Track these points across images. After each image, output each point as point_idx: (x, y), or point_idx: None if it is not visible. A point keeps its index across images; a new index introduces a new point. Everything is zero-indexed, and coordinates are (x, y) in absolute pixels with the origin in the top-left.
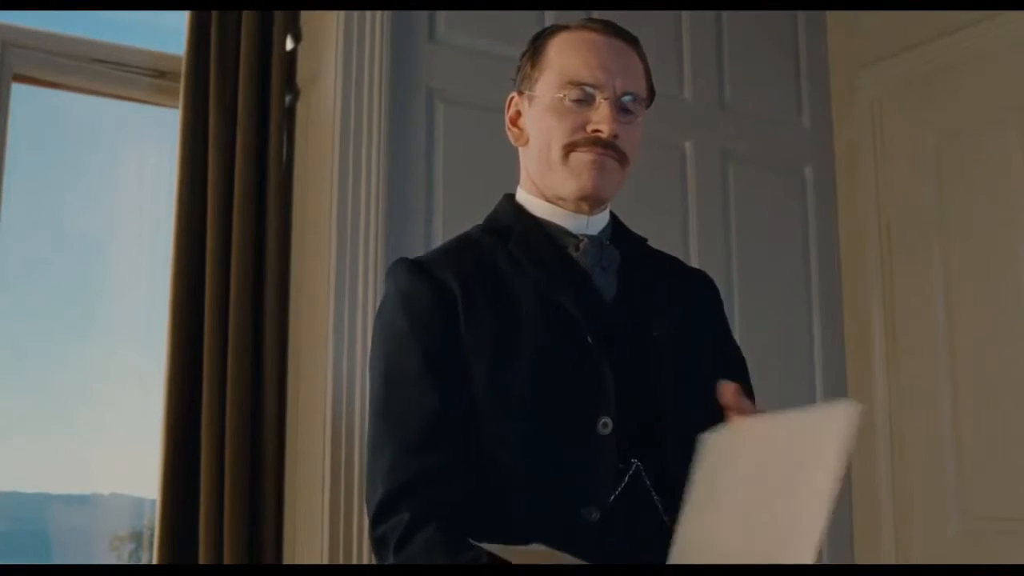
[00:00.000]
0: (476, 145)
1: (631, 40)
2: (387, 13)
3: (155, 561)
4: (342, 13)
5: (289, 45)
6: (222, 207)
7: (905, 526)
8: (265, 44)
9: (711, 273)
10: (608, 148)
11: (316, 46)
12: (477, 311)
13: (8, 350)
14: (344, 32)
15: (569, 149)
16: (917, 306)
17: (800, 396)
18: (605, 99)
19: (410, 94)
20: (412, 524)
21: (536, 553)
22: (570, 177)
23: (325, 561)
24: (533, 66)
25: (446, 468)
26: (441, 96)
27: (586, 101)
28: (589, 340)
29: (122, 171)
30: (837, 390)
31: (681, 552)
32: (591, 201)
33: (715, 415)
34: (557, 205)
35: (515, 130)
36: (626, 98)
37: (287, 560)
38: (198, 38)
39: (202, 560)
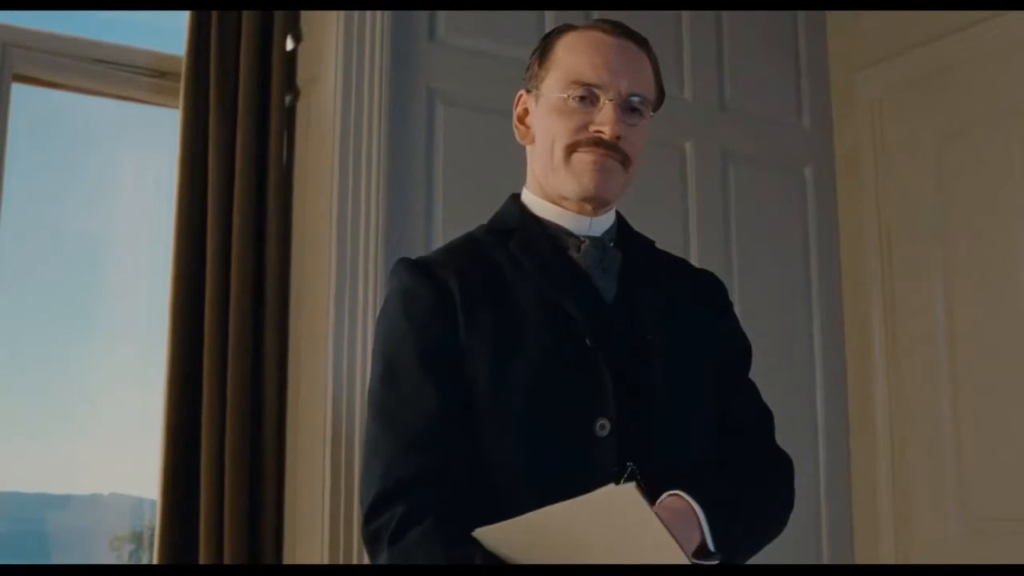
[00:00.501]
0: (476, 145)
1: (641, 41)
2: (387, 14)
3: (155, 561)
4: (342, 13)
5: (289, 45)
6: (222, 207)
7: (905, 526)
8: (265, 44)
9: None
10: (610, 149)
11: (316, 46)
12: (477, 312)
13: (8, 350)
14: (344, 32)
15: (571, 149)
16: (917, 306)
17: (800, 397)
18: (609, 100)
19: (410, 94)
20: (406, 518)
21: (518, 523)
22: (572, 177)
23: (325, 561)
24: (541, 65)
25: (442, 468)
26: (441, 96)
27: (590, 101)
28: (588, 342)
29: (122, 171)
30: (837, 390)
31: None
32: (593, 202)
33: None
34: (561, 206)
35: (522, 128)
36: (632, 99)
37: (287, 561)
38: (198, 38)
39: (202, 561)
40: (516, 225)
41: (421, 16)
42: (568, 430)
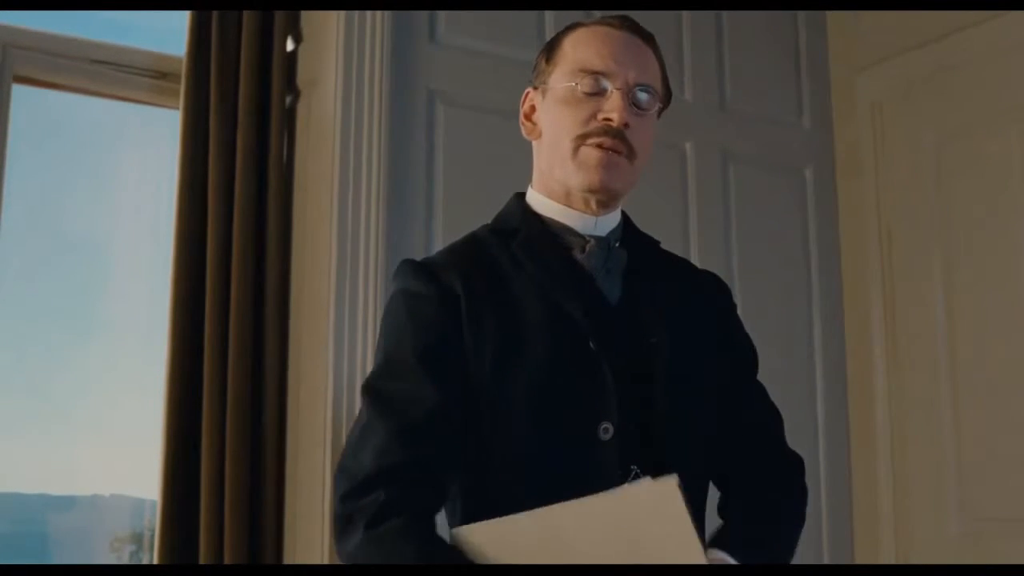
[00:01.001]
0: (476, 146)
1: (647, 37)
2: (388, 15)
3: (156, 562)
4: (342, 15)
5: (290, 46)
6: (223, 208)
7: (905, 526)
8: (266, 45)
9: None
10: (617, 140)
11: (317, 47)
12: (480, 315)
13: (8, 351)
14: (344, 33)
15: (579, 142)
16: (917, 307)
17: (801, 397)
18: (617, 89)
19: (410, 95)
20: (387, 507)
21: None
22: (578, 170)
23: (325, 561)
24: (548, 61)
25: (430, 464)
26: (441, 97)
27: (598, 92)
28: (591, 345)
29: (122, 172)
30: (837, 391)
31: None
32: (599, 194)
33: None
34: (566, 204)
35: (528, 124)
36: (640, 90)
37: (287, 561)
38: (199, 39)
39: (202, 562)
40: (519, 225)
41: (421, 17)
42: (570, 433)
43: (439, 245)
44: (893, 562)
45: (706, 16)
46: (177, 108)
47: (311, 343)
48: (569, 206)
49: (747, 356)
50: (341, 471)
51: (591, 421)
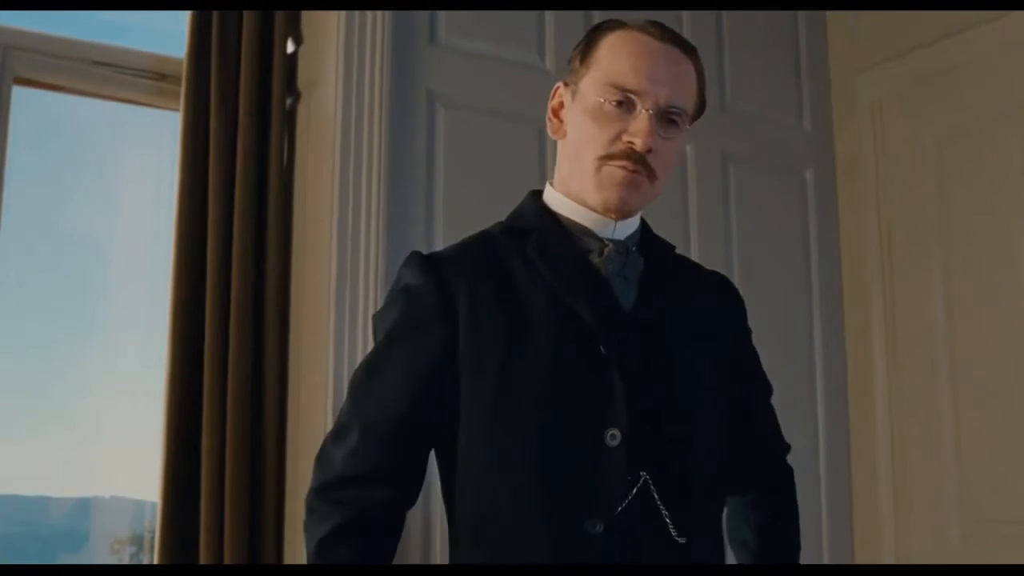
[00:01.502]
0: (476, 148)
1: (688, 49)
2: (388, 16)
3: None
4: (343, 16)
5: (290, 48)
6: (223, 209)
7: (905, 528)
8: (266, 47)
9: None
10: (639, 164)
11: (317, 49)
12: (483, 317)
13: (9, 353)
14: (345, 35)
15: (602, 162)
16: (918, 308)
17: (801, 397)
18: (646, 110)
19: (411, 97)
20: (338, 532)
21: None
22: (597, 189)
23: None
24: (582, 61)
25: (394, 471)
26: (442, 99)
27: (627, 108)
28: (602, 350)
29: (123, 173)
30: (838, 393)
31: None
32: (615, 215)
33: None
34: (586, 205)
35: (555, 121)
36: (671, 110)
37: (287, 561)
38: (199, 41)
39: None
40: (535, 224)
41: (421, 18)
42: (577, 439)
43: (439, 246)
44: (893, 563)
45: (706, 17)
46: (177, 110)
47: (311, 344)
48: (589, 208)
49: (755, 365)
50: (319, 460)
51: (597, 427)
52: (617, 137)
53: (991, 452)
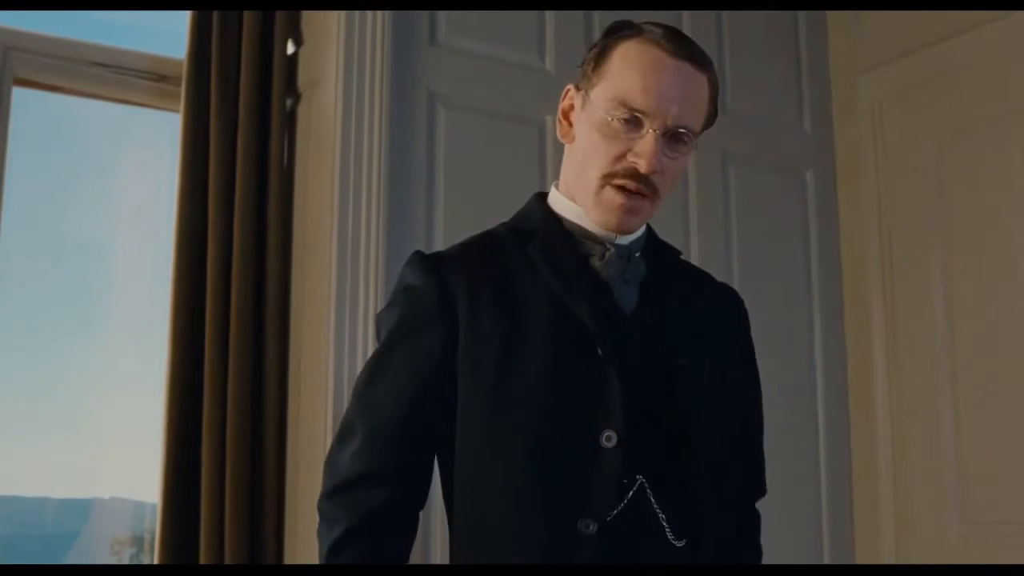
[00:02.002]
0: (477, 148)
1: (702, 64)
2: (388, 17)
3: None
4: (343, 16)
5: (290, 49)
6: (223, 211)
7: (905, 530)
8: (266, 48)
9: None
10: (641, 184)
11: (317, 50)
12: (483, 317)
13: (9, 354)
14: (345, 36)
15: (605, 181)
16: (918, 309)
17: (801, 398)
18: (653, 130)
19: (411, 98)
20: (347, 536)
21: None
22: (598, 208)
23: None
24: (595, 68)
25: (400, 469)
26: (442, 100)
27: (634, 126)
28: (599, 352)
29: (123, 175)
30: (838, 392)
31: None
32: (615, 233)
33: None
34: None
35: (564, 124)
36: (677, 132)
37: (287, 562)
38: (199, 42)
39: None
40: (538, 226)
41: (422, 19)
42: (572, 439)
43: (439, 247)
44: (893, 563)
45: (706, 17)
46: (178, 111)
47: (311, 344)
48: None
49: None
50: (326, 464)
51: (593, 427)
52: (622, 156)
53: (991, 452)
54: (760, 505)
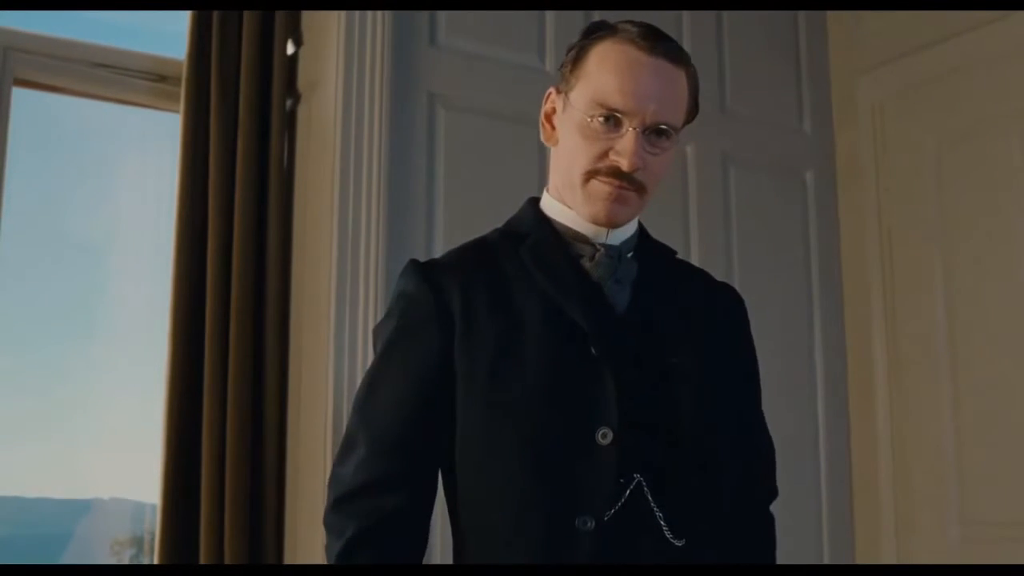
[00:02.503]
0: (477, 150)
1: (679, 60)
2: (388, 18)
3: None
4: (343, 17)
5: (290, 49)
6: (223, 211)
7: (906, 532)
8: (266, 48)
9: None
10: (625, 180)
11: (317, 51)
12: (478, 321)
13: (9, 355)
14: (345, 37)
15: (590, 176)
16: (918, 309)
17: (802, 400)
18: (633, 128)
19: (411, 99)
20: (354, 542)
21: None
22: (586, 203)
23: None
24: (573, 70)
25: (405, 473)
26: (442, 101)
27: (614, 125)
28: (593, 351)
29: (123, 175)
30: (838, 396)
31: None
32: (604, 227)
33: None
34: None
35: (547, 128)
36: (657, 129)
37: (287, 562)
38: (199, 42)
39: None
40: (530, 230)
41: (422, 20)
42: (568, 437)
43: (439, 248)
44: (893, 563)
45: (706, 17)
46: (177, 111)
47: (311, 344)
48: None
49: (753, 377)
50: (331, 479)
51: (589, 425)
52: (604, 154)
53: (991, 452)
54: None
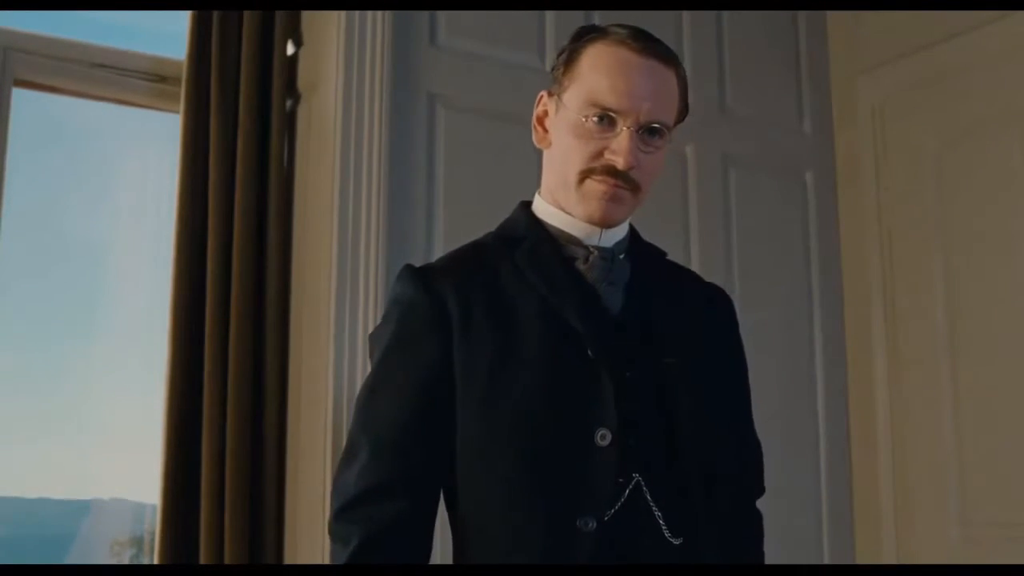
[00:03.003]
0: (477, 150)
1: (669, 60)
2: (388, 18)
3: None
4: (343, 18)
5: (290, 50)
6: (223, 211)
7: (906, 533)
8: (266, 49)
9: (711, 278)
10: (620, 179)
11: (317, 51)
12: (475, 326)
13: (9, 355)
14: (345, 37)
15: (584, 175)
16: (918, 310)
17: (802, 401)
18: (627, 127)
19: (411, 99)
20: (360, 550)
21: None
22: (581, 202)
23: (325, 562)
24: (565, 72)
25: (407, 479)
26: (442, 101)
27: (608, 124)
28: (590, 353)
29: (123, 175)
30: (838, 395)
31: None
32: (599, 226)
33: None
34: (571, 215)
35: (540, 131)
36: (651, 127)
37: (287, 562)
38: (199, 43)
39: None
40: (524, 233)
41: (422, 20)
42: (567, 439)
43: (439, 249)
44: (893, 563)
45: (706, 18)
46: (177, 112)
47: (311, 344)
48: (574, 217)
49: (743, 376)
50: (334, 486)
51: (587, 427)
52: (599, 154)
53: (991, 452)
54: (760, 505)
